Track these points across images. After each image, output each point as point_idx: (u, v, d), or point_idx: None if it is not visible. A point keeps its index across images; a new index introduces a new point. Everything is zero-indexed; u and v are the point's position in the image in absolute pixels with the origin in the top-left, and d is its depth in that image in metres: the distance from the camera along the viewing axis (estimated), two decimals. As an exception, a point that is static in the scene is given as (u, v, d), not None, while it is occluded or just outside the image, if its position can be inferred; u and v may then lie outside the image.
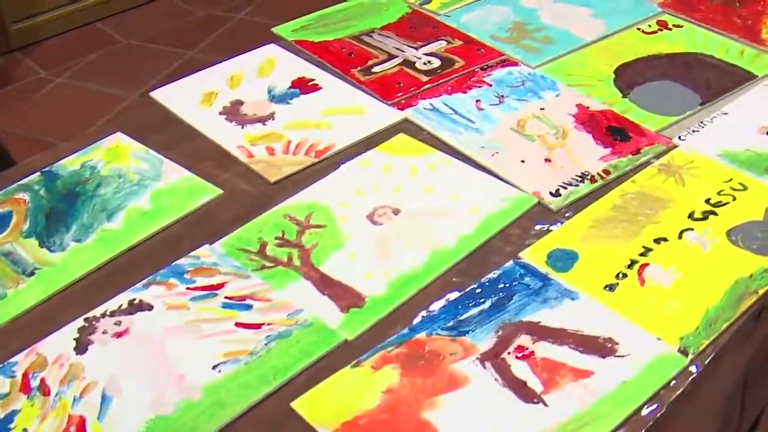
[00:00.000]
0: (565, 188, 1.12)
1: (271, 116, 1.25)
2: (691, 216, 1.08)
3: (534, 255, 1.03)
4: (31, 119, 2.25)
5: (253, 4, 2.71)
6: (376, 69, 1.33)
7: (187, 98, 1.29)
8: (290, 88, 1.30)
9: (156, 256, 1.06)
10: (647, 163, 1.16)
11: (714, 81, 1.31)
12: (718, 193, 1.11)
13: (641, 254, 1.03)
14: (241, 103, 1.28)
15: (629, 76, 1.31)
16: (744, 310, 0.97)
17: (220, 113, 1.26)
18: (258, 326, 0.96)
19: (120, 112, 1.98)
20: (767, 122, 1.22)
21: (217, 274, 1.03)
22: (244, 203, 1.12)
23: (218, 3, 2.72)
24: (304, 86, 1.30)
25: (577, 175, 1.13)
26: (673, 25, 1.43)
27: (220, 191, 1.13)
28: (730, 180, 1.13)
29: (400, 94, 1.28)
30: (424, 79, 1.31)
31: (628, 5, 1.48)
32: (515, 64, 1.34)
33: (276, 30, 1.44)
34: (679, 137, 1.20)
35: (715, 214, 1.08)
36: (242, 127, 1.23)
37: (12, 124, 2.21)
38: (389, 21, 1.45)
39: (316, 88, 1.30)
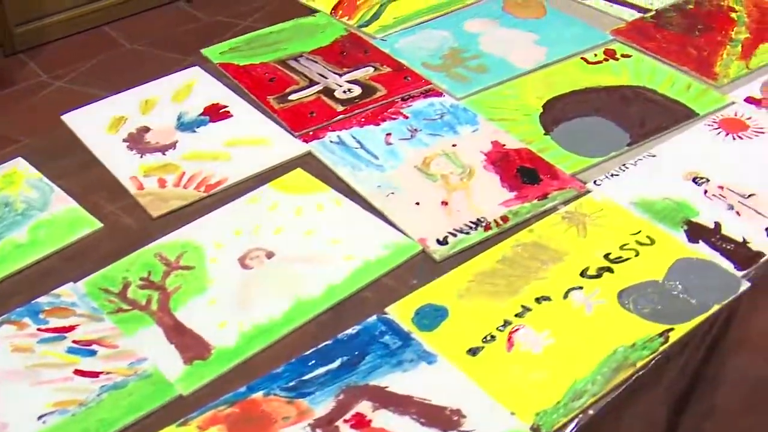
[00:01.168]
0: (455, 236, 1.04)
1: (173, 145, 1.20)
2: (584, 273, 0.99)
3: (401, 310, 0.96)
4: (22, 123, 2.26)
5: (261, 11, 2.68)
6: (293, 96, 1.27)
7: (95, 123, 1.25)
8: (201, 115, 1.25)
9: (23, 291, 1.02)
10: (553, 210, 1.07)
11: (650, 118, 1.20)
12: (621, 248, 1.02)
13: (517, 315, 0.95)
14: (147, 129, 1.23)
15: (558, 111, 1.22)
16: (617, 384, 0.88)
17: (124, 140, 1.22)
18: (96, 374, 0.92)
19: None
20: (696, 167, 1.12)
21: (72, 315, 0.99)
22: (122, 239, 1.08)
23: (227, 9, 2.70)
24: (215, 114, 1.25)
25: (471, 222, 1.05)
26: (621, 55, 1.33)
27: (100, 225, 1.09)
28: (638, 232, 1.04)
29: (312, 125, 1.21)
30: (339, 108, 1.24)
31: (578, 32, 1.39)
32: (439, 94, 1.26)
33: (205, 51, 1.39)
34: (595, 182, 1.11)
35: (611, 271, 0.99)
36: (141, 156, 1.19)
37: (3, 127, 2.23)
38: (321, 45, 1.38)
39: (227, 115, 1.25)
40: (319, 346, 0.93)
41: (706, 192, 1.09)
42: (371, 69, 1.32)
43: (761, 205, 1.06)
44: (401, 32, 1.41)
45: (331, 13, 1.46)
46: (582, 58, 1.33)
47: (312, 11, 1.48)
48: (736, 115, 1.21)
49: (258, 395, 0.88)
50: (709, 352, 1.01)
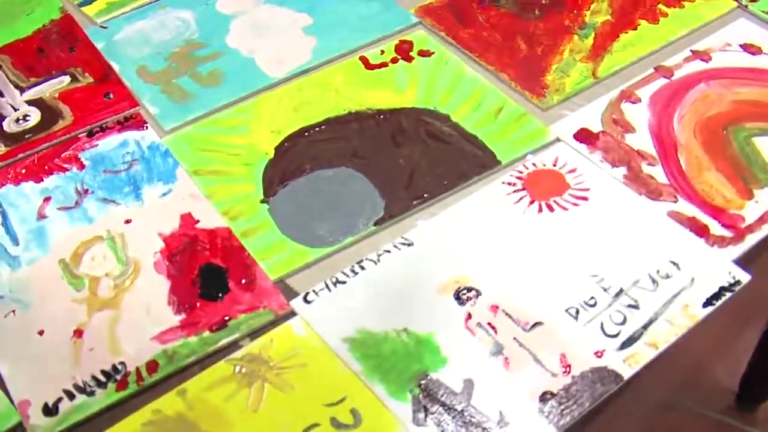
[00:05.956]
0: (73, 397, 0.69)
1: None
2: (233, 480, 0.65)
3: None
4: None
5: None
6: (-53, 128, 0.91)
7: None
8: None
9: None
10: (232, 350, 0.72)
11: (424, 172, 0.81)
12: None
13: None
14: None
15: (292, 158, 0.83)
16: None
17: None
18: None
19: None
20: (464, 269, 0.74)
21: None
22: None
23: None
24: None
25: (102, 371, 0.71)
26: (419, 52, 0.91)
27: None
28: (340, 402, 0.67)
29: (-44, 178, 0.86)
30: (1, 150, 0.87)
31: (372, 11, 0.96)
32: (142, 125, 0.88)
33: None
34: (306, 296, 0.73)
35: (274, 478, 0.64)
36: None
37: None
38: (21, 35, 0.98)
39: None
40: None
41: (469, 317, 0.71)
42: (67, 78, 0.94)
43: (546, 346, 0.69)
44: (132, 13, 1.00)
45: (53, -22, 1.06)
46: (362, 57, 0.91)
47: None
48: (555, 164, 0.80)
49: None
50: None
